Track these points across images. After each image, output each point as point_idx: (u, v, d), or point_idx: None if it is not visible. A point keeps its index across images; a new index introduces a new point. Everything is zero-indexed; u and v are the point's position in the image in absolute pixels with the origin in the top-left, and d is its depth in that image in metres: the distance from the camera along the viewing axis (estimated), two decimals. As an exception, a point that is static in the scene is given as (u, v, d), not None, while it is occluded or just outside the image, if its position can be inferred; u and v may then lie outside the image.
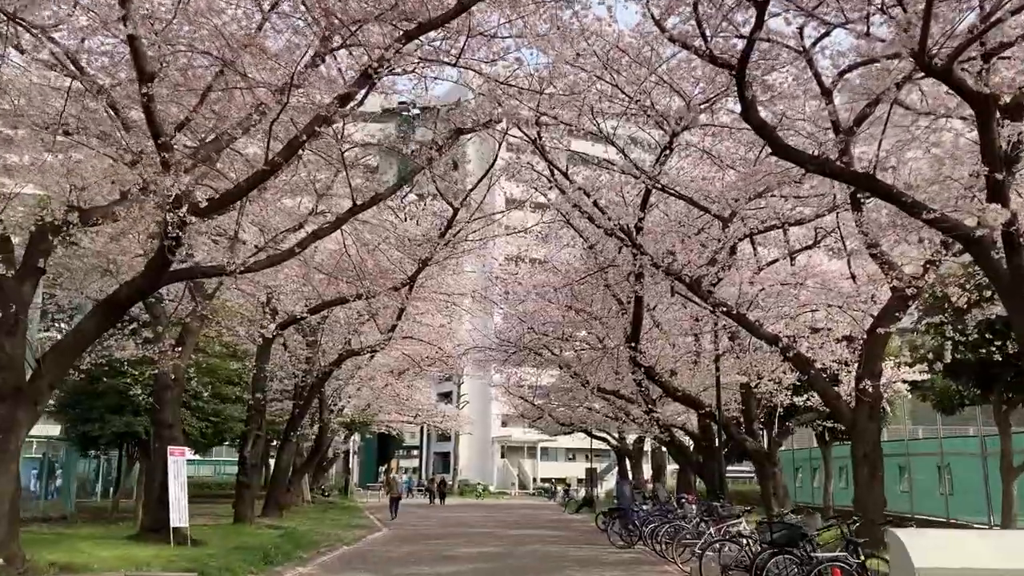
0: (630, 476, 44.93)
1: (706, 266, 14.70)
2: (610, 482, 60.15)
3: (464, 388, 66.10)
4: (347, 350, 26.13)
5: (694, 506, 19.47)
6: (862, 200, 13.78)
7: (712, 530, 14.30)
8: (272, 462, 32.38)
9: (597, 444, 46.77)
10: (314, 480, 46.03)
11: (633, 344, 18.93)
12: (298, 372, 27.20)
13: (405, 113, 25.19)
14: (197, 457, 52.36)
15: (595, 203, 14.75)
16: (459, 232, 21.42)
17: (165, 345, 15.44)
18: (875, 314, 14.92)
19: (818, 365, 15.48)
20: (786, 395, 21.07)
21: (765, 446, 21.66)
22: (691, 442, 28.47)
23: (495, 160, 19.21)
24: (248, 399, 20.72)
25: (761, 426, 22.52)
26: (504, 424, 71.77)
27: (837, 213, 16.39)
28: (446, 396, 68.84)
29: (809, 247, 19.10)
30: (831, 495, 24.93)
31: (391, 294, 26.13)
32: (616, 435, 43.37)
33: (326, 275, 19.78)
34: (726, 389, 22.50)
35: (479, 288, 30.76)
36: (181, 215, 10.17)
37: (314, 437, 34.29)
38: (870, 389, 14.11)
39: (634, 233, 15.21)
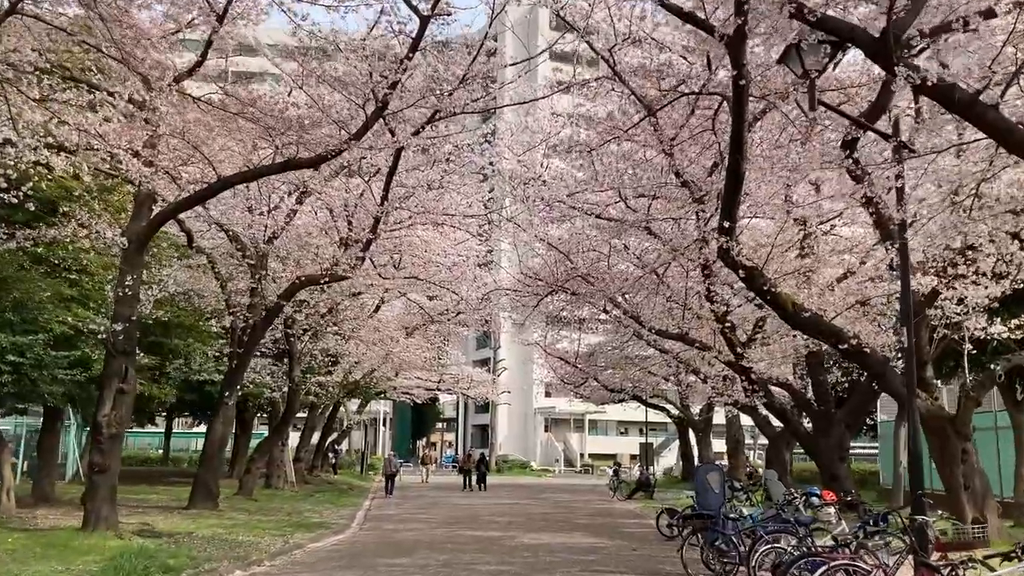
0: (695, 453, 36.78)
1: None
2: (668, 459, 51.85)
3: (502, 353, 58.45)
4: (300, 277, 18.44)
5: (832, 508, 11.29)
6: None
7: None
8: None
9: (653, 415, 38.46)
10: (316, 455, 38.76)
11: (727, 225, 10.67)
12: (237, 310, 19.59)
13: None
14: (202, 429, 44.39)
15: None
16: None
17: None
18: None
19: None
20: (980, 321, 12.65)
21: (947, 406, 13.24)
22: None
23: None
24: (103, 333, 13.03)
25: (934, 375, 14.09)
26: (548, 394, 63.82)
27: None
28: (483, 363, 61.07)
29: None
30: None
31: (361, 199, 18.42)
32: (677, 403, 35.10)
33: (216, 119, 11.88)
34: (868, 312, 14.30)
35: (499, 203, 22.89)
36: None
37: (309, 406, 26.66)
38: None
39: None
